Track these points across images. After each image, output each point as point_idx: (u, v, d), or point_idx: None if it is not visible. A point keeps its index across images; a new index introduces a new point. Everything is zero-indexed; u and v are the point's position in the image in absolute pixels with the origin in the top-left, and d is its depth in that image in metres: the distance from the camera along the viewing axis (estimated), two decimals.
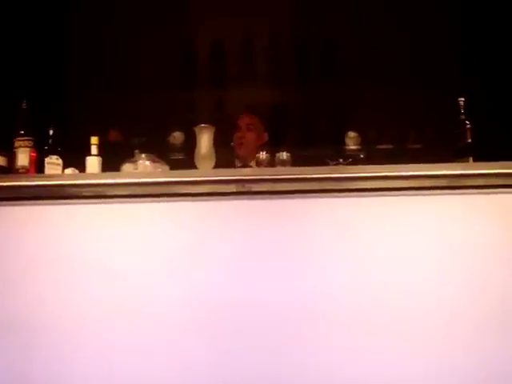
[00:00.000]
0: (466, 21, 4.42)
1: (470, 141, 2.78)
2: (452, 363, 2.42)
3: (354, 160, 3.26)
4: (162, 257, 2.55)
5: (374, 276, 2.49)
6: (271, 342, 2.46)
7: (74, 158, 2.88)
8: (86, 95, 4.43)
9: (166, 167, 2.92)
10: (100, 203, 2.60)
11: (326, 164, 2.99)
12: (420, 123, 4.35)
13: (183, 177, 2.61)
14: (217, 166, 2.85)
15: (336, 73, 4.63)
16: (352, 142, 4.39)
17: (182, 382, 2.47)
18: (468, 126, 2.80)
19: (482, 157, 2.71)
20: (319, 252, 2.53)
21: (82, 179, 2.68)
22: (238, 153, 3.62)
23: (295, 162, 2.90)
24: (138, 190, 2.60)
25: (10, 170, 2.80)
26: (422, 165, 2.56)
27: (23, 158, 2.81)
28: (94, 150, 2.89)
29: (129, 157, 2.96)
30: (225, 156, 2.93)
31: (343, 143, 4.40)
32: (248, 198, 2.58)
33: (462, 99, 2.83)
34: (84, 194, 2.60)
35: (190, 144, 2.97)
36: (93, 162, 2.87)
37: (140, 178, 2.64)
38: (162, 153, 3.08)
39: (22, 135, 2.83)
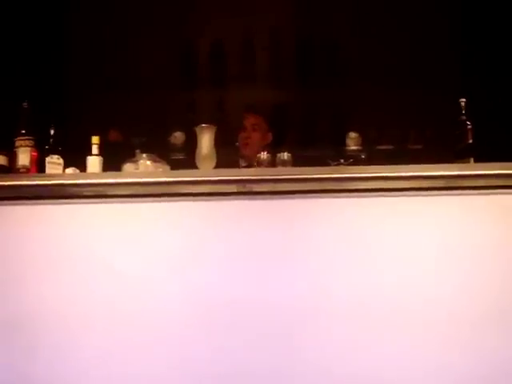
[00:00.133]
0: (466, 21, 4.42)
1: (470, 141, 2.78)
2: (450, 361, 2.44)
3: (354, 160, 3.26)
4: (162, 256, 2.55)
5: (375, 276, 2.50)
6: (273, 338, 2.47)
7: (75, 158, 2.87)
8: (87, 95, 4.43)
9: (167, 167, 2.92)
10: (101, 203, 2.60)
11: (327, 164, 2.99)
12: (420, 124, 4.35)
13: (184, 177, 2.62)
14: (218, 166, 2.85)
15: (336, 73, 4.63)
16: (353, 142, 4.40)
17: (183, 379, 2.47)
18: (469, 127, 2.80)
19: (482, 157, 2.71)
20: (320, 252, 2.53)
21: (83, 179, 2.68)
22: (243, 153, 3.64)
23: (296, 162, 2.90)
24: (139, 190, 2.60)
25: (11, 169, 2.80)
26: (422, 165, 2.57)
27: (24, 157, 2.80)
28: (94, 149, 2.88)
29: (130, 157, 2.96)
30: (226, 156, 2.93)
31: (344, 144, 4.40)
32: (249, 198, 2.58)
33: (464, 100, 2.83)
34: (85, 193, 2.61)
35: (191, 144, 2.97)
36: (94, 162, 2.87)
37: (141, 178, 2.64)
38: (162, 153, 3.08)
39: (23, 135, 2.83)
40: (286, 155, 2.91)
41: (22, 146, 2.82)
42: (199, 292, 2.51)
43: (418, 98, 4.27)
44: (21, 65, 4.26)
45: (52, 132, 2.90)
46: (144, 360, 2.47)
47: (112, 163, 2.89)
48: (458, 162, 2.73)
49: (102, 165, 2.89)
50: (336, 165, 3.03)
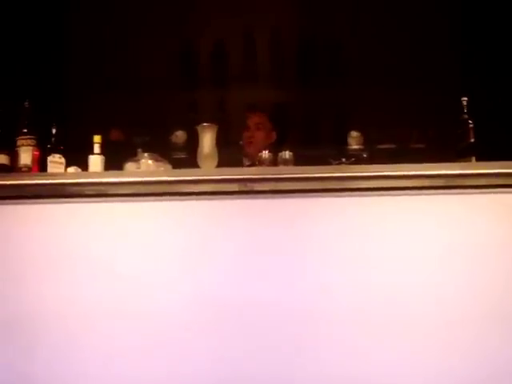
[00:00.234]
0: (466, 21, 4.43)
1: (472, 140, 2.79)
2: (452, 363, 2.43)
3: (356, 159, 3.25)
4: (164, 256, 2.55)
5: (377, 275, 2.50)
6: (273, 341, 2.47)
7: (77, 157, 2.88)
8: (89, 94, 4.43)
9: (169, 166, 2.91)
10: (102, 202, 2.60)
11: (329, 163, 2.99)
12: (422, 123, 4.35)
13: (186, 176, 2.61)
14: (219, 165, 2.85)
15: (338, 73, 4.63)
16: (354, 141, 4.39)
17: (183, 380, 2.47)
18: (471, 126, 2.80)
19: (483, 157, 2.71)
20: (321, 251, 2.53)
21: (85, 178, 2.67)
22: (247, 151, 3.66)
23: (298, 161, 2.90)
24: (141, 189, 2.60)
25: (13, 168, 2.80)
26: (424, 164, 2.56)
27: (26, 156, 2.81)
28: (96, 148, 2.88)
29: (131, 156, 2.95)
30: (227, 155, 2.93)
31: (346, 143, 4.40)
32: (250, 197, 2.58)
33: (465, 99, 2.83)
34: (86, 192, 2.61)
35: (193, 143, 2.97)
36: (95, 161, 2.87)
37: (142, 177, 2.64)
38: (164, 152, 3.08)
39: (25, 134, 2.83)
40: (287, 154, 2.91)
41: (23, 145, 2.82)
42: (201, 291, 2.50)
43: (419, 97, 4.27)
44: (22, 64, 4.25)
45: (54, 131, 2.90)
46: (144, 361, 2.47)
47: (114, 162, 2.89)
48: (460, 161, 2.73)
49: (103, 164, 2.89)
50: (338, 164, 3.03)
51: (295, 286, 2.49)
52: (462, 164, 2.69)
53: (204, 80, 4.69)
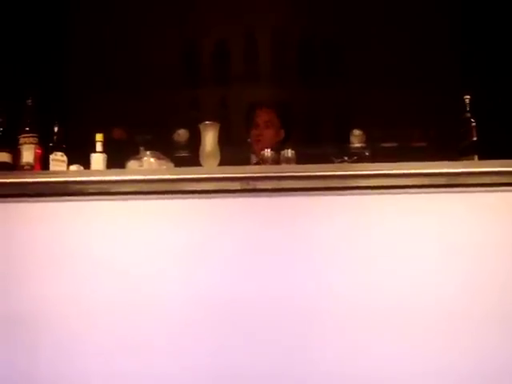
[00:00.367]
0: (466, 21, 4.43)
1: (475, 139, 2.79)
2: (452, 361, 2.43)
3: (358, 158, 3.25)
4: (166, 254, 2.55)
5: (378, 273, 2.50)
6: (275, 339, 2.47)
7: (79, 155, 2.87)
8: (91, 93, 4.43)
9: (171, 164, 2.91)
10: (105, 200, 2.60)
11: (331, 162, 2.98)
12: (424, 122, 4.36)
13: (188, 174, 2.62)
14: (222, 163, 2.84)
15: (339, 72, 4.64)
16: (357, 139, 4.40)
17: (185, 377, 2.47)
18: (473, 124, 2.80)
19: (485, 155, 2.71)
20: (323, 249, 2.53)
21: (87, 176, 2.67)
22: (255, 149, 3.64)
23: (300, 159, 2.89)
24: (143, 187, 2.60)
25: (15, 166, 2.80)
26: (426, 163, 2.57)
27: (28, 154, 2.80)
28: (98, 146, 2.88)
29: (134, 154, 2.95)
30: (230, 153, 2.93)
31: (348, 141, 4.41)
32: (253, 196, 2.58)
33: (468, 97, 2.84)
34: (89, 190, 2.60)
35: (195, 141, 2.96)
36: (98, 159, 2.87)
37: (145, 175, 2.64)
38: (166, 150, 3.07)
39: (27, 132, 2.83)
40: (289, 152, 2.90)
41: (26, 143, 2.81)
42: (203, 289, 2.50)
43: (420, 97, 4.28)
44: (24, 63, 4.26)
45: (56, 129, 2.89)
46: (146, 358, 2.47)
47: (116, 160, 2.89)
48: (463, 160, 2.73)
49: (105, 162, 2.89)
50: (340, 162, 3.03)
51: (297, 284, 2.49)
52: (464, 162, 2.70)
53: (206, 79, 4.70)
